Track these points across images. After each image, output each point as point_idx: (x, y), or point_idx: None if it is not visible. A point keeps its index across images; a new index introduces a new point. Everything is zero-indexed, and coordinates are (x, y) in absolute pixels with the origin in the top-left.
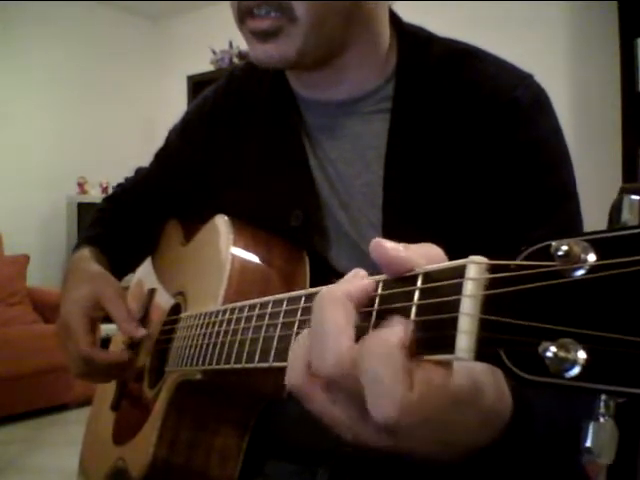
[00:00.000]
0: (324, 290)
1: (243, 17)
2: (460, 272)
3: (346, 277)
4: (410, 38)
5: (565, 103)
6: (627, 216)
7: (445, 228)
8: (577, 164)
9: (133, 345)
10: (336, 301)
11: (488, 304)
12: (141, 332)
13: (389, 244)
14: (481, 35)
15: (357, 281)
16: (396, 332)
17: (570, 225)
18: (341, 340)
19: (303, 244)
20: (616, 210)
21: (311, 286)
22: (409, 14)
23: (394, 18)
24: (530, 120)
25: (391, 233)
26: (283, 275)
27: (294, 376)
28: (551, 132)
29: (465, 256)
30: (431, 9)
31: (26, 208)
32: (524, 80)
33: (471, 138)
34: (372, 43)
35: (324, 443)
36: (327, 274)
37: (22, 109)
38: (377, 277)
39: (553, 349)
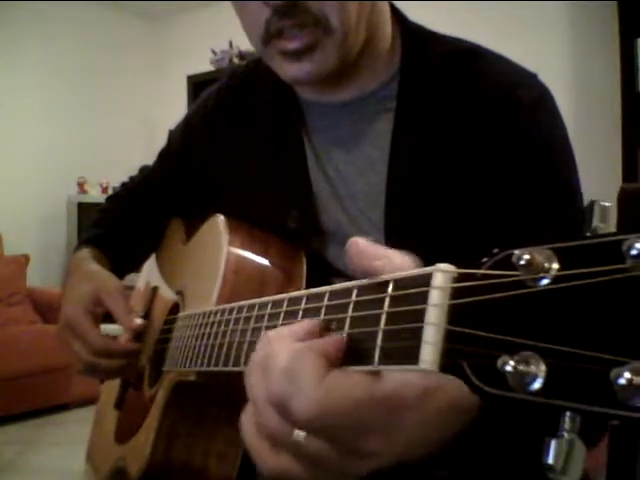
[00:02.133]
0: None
1: (270, 39)
2: (427, 280)
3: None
4: (413, 36)
5: (565, 103)
6: (597, 223)
7: (449, 229)
8: (577, 164)
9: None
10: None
11: (454, 314)
12: (137, 322)
13: (368, 249)
14: (481, 35)
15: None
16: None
17: (577, 223)
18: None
19: (301, 245)
20: (587, 216)
21: (308, 285)
22: (409, 14)
23: (397, 15)
24: (534, 119)
25: (393, 233)
26: (279, 275)
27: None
28: (555, 131)
29: (472, 258)
30: (431, 9)
31: (26, 208)
32: (528, 79)
33: (475, 137)
34: (377, 42)
35: None
36: (326, 273)
37: (22, 109)
38: (353, 282)
39: (512, 363)
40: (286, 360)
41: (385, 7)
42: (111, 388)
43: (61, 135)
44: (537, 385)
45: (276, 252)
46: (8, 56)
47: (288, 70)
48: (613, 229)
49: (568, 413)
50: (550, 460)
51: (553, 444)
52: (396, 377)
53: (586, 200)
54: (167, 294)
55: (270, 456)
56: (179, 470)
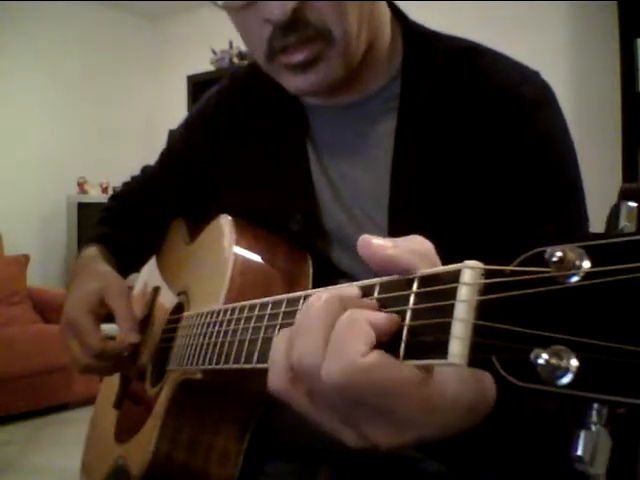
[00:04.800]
0: (312, 296)
1: (274, 55)
2: (455, 277)
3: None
4: (415, 35)
5: (565, 103)
6: (624, 223)
7: (453, 227)
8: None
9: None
10: (321, 302)
11: (482, 309)
12: (134, 338)
13: (375, 242)
14: (481, 35)
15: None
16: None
17: (579, 221)
18: (320, 336)
19: (305, 247)
20: (614, 216)
21: (314, 286)
22: (409, 14)
23: (398, 14)
24: (536, 116)
25: (398, 234)
26: (285, 276)
27: (275, 380)
28: (557, 128)
29: (475, 255)
30: (432, 9)
31: (26, 208)
32: (530, 77)
33: (478, 135)
34: (378, 44)
35: (324, 443)
36: (330, 275)
37: (22, 109)
38: (374, 280)
39: (545, 356)
40: (331, 324)
41: (384, 8)
42: (109, 389)
43: (61, 135)
44: (567, 379)
45: (282, 253)
46: (8, 56)
47: (294, 82)
48: None
49: (596, 406)
50: (579, 451)
51: (582, 436)
52: (443, 376)
53: (586, 199)
54: (169, 294)
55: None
56: (181, 468)
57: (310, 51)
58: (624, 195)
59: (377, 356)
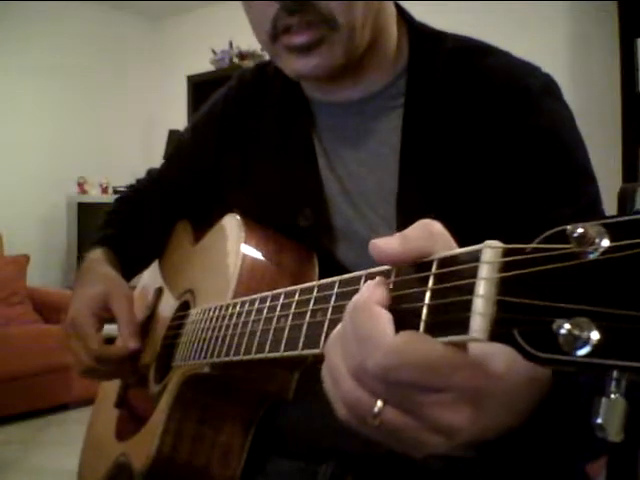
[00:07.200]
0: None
1: (277, 35)
2: (475, 256)
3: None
4: (420, 34)
5: None
6: None
7: (464, 220)
8: None
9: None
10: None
11: (503, 286)
12: (133, 344)
13: (381, 243)
14: (481, 35)
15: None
16: (368, 289)
17: (594, 205)
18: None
19: (311, 243)
20: (630, 197)
21: None
22: (410, 13)
23: (404, 15)
24: (543, 106)
25: (406, 228)
26: (292, 274)
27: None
28: (565, 116)
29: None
30: (432, 9)
31: (26, 208)
32: (534, 70)
33: (485, 128)
34: (383, 42)
35: (327, 441)
36: (335, 271)
37: (22, 109)
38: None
39: (567, 326)
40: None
41: (391, 9)
42: (108, 389)
43: (61, 135)
44: (587, 349)
45: (289, 251)
46: (8, 56)
47: (295, 65)
48: None
49: (615, 375)
50: (599, 419)
51: (603, 404)
52: (478, 348)
53: None
54: (173, 294)
55: (360, 427)
56: (185, 464)
57: (313, 34)
58: (622, 195)
59: (407, 333)
